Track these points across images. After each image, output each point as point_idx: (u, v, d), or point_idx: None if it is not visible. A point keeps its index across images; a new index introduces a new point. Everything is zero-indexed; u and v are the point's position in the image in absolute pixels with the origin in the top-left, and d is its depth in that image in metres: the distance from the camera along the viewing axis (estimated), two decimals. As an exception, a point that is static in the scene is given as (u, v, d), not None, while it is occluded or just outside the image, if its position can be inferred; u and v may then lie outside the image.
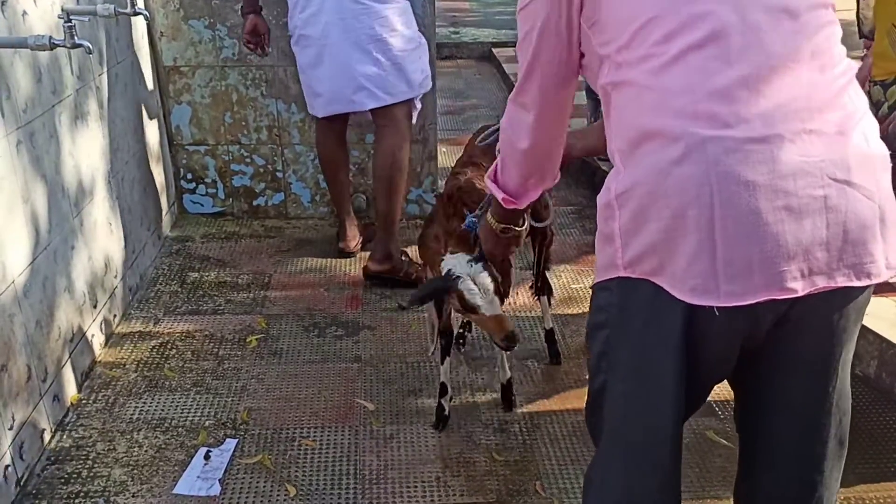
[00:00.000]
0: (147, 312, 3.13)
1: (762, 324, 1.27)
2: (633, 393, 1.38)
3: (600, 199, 1.34)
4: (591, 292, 1.46)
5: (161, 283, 3.35)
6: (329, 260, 3.60)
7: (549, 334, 2.85)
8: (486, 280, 2.07)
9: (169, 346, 2.91)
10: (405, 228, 3.95)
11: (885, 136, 2.89)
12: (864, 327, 2.70)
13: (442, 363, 2.50)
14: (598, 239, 1.36)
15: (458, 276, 2.08)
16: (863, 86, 3.26)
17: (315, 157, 3.89)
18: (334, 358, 2.87)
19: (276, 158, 3.90)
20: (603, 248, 1.34)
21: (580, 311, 3.15)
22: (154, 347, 2.90)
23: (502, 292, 2.22)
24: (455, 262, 2.11)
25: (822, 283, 1.22)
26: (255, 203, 3.98)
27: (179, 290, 3.31)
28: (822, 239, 1.20)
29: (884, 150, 1.29)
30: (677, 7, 1.21)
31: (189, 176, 3.91)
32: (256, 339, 2.96)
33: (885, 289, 2.91)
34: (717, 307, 1.21)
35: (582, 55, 1.39)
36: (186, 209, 3.97)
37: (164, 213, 3.72)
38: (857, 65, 1.34)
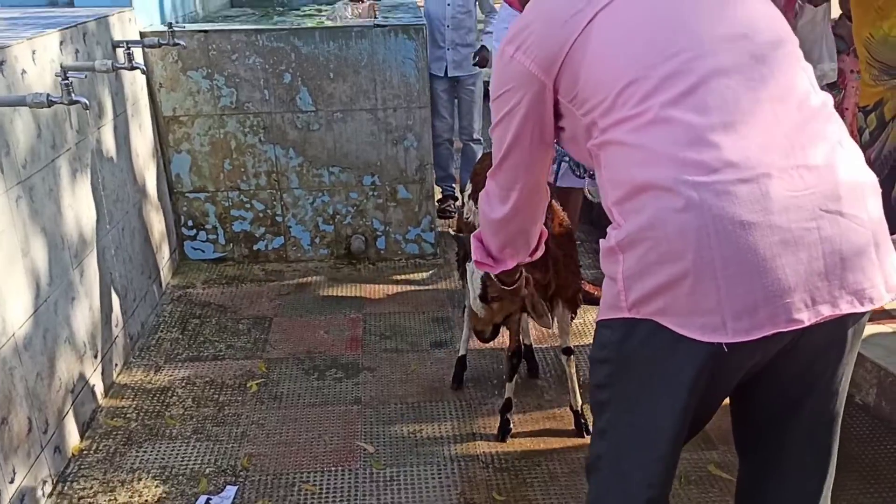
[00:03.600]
0: (148, 360, 3.15)
1: (769, 354, 1.32)
2: (637, 426, 1.41)
3: (603, 246, 1.39)
4: (594, 327, 1.49)
5: (162, 331, 3.38)
6: (329, 302, 3.63)
7: (528, 349, 3.01)
8: (476, 284, 2.16)
9: (170, 394, 2.92)
10: (404, 268, 3.99)
11: (871, 164, 2.93)
12: (861, 355, 2.70)
13: (510, 381, 2.65)
14: (605, 281, 1.41)
15: (468, 263, 2.22)
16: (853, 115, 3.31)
17: (314, 201, 3.95)
18: (334, 400, 2.88)
19: (275, 203, 3.95)
20: (608, 289, 1.39)
21: (582, 343, 3.16)
22: (155, 395, 2.92)
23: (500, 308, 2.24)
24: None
25: (826, 311, 1.26)
26: (255, 247, 4.02)
27: (180, 336, 3.33)
28: (821, 269, 1.24)
29: (871, 177, 1.33)
30: (652, 70, 1.28)
31: (190, 223, 3.96)
32: (257, 384, 2.98)
33: (882, 317, 2.92)
34: (726, 343, 1.25)
35: (561, 129, 1.46)
36: (188, 256, 4.01)
37: (165, 260, 3.76)
38: (830, 97, 1.38)
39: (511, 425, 2.66)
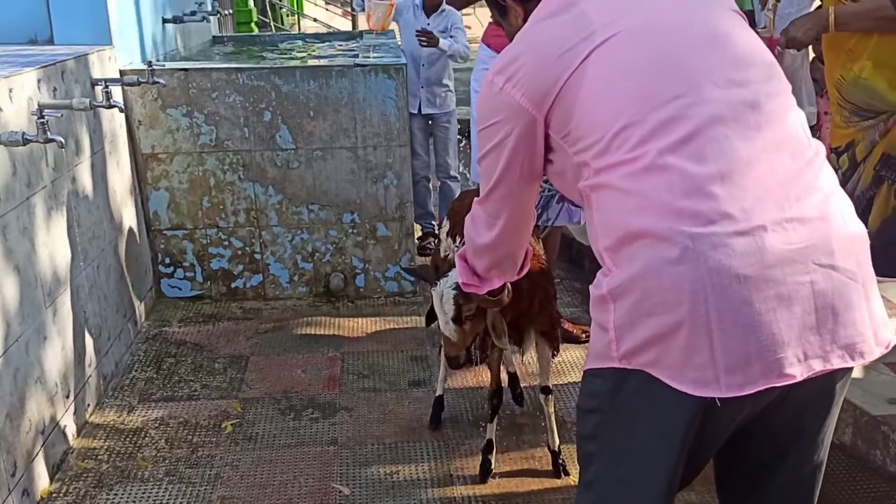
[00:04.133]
0: (121, 400, 3.10)
1: (759, 406, 1.31)
2: (625, 479, 1.38)
3: (593, 292, 1.37)
4: (571, 366, 1.48)
5: (136, 370, 3.33)
6: (307, 340, 3.60)
7: (513, 377, 3.00)
8: (448, 305, 2.15)
9: (142, 435, 2.88)
10: (383, 305, 3.97)
11: None
12: (837, 395, 2.71)
13: (491, 422, 2.62)
14: (593, 328, 1.39)
15: (437, 283, 2.20)
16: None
17: (293, 238, 3.94)
18: (310, 441, 2.84)
19: (254, 240, 3.94)
20: (597, 338, 1.37)
21: (561, 382, 3.14)
22: (127, 436, 2.87)
23: (472, 331, 2.25)
24: (452, 274, 2.17)
25: (818, 366, 1.26)
26: (233, 285, 4.00)
27: (155, 376, 3.29)
28: (813, 324, 1.24)
29: (862, 229, 1.34)
30: (649, 114, 1.27)
31: (167, 260, 3.93)
32: (232, 425, 2.94)
33: (857, 355, 2.93)
34: (719, 398, 1.24)
35: (549, 161, 1.44)
36: (164, 294, 3.97)
37: (141, 298, 3.73)
38: (822, 145, 1.38)
39: (492, 465, 2.62)
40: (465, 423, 2.94)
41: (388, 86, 3.77)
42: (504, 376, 2.85)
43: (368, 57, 4.09)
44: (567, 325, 3.39)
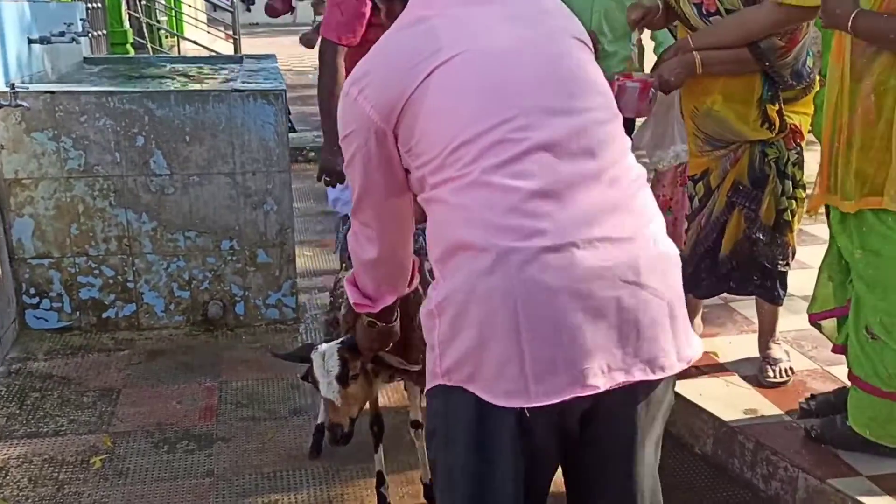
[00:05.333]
0: (-21, 439, 2.93)
1: (570, 419, 1.36)
2: (467, 498, 1.40)
3: (422, 309, 1.40)
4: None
5: (-3, 407, 3.16)
6: (183, 371, 3.50)
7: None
8: (332, 361, 2.01)
9: (3, 474, 2.72)
10: (264, 333, 3.91)
11: (701, 229, 3.10)
12: (698, 407, 2.87)
13: (376, 451, 2.53)
14: (427, 347, 1.41)
15: (316, 347, 2.06)
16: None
17: (168, 266, 3.83)
18: (185, 474, 2.76)
19: (126, 269, 3.81)
20: (429, 356, 1.40)
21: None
22: (-14, 477, 2.71)
23: (356, 389, 2.07)
24: (336, 341, 2.08)
25: (620, 378, 1.32)
26: (104, 315, 3.84)
27: (18, 412, 3.12)
28: (618, 338, 1.31)
29: (672, 250, 1.42)
30: (482, 135, 1.33)
31: (32, 290, 3.75)
32: (101, 460, 2.82)
33: (717, 370, 3.12)
34: (527, 408, 1.28)
35: (407, 172, 1.47)
36: (29, 325, 3.78)
37: (3, 331, 3.53)
38: (644, 170, 1.48)
39: (388, 500, 2.54)
40: (347, 448, 2.92)
41: (268, 111, 3.75)
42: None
43: (248, 82, 4.05)
44: None
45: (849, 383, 2.58)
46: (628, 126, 3.33)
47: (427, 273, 2.16)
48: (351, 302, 1.78)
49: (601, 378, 1.30)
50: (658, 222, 1.43)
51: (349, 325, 2.14)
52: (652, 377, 1.35)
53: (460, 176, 1.33)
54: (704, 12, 2.81)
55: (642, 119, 3.54)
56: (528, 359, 1.27)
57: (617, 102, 3.07)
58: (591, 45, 1.56)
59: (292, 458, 2.87)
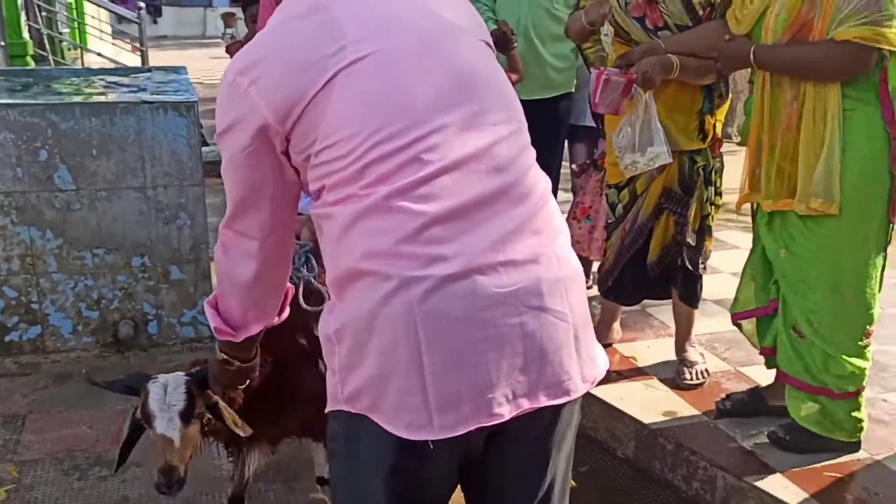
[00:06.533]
0: None
1: (474, 446, 1.34)
2: None
3: (321, 331, 1.36)
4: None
5: None
6: (93, 394, 3.35)
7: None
8: (178, 394, 1.81)
9: None
10: (179, 353, 3.79)
11: (626, 234, 3.10)
12: (619, 411, 2.92)
13: None
14: (328, 369, 1.37)
15: (154, 377, 1.86)
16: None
17: (75, 285, 3.67)
18: (98, 502, 2.64)
19: (30, 289, 3.63)
20: (329, 379, 1.36)
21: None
22: None
23: (205, 425, 1.91)
24: (182, 372, 1.91)
25: (526, 405, 1.30)
26: (6, 339, 3.65)
27: (-89, 445, 2.93)
28: (522, 364, 1.28)
29: (575, 270, 1.39)
30: (386, 156, 1.26)
31: (-75, 314, 3.53)
32: (6, 491, 2.67)
33: (636, 374, 3.18)
34: (431, 441, 1.26)
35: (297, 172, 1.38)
36: (-78, 352, 3.56)
37: None
38: (549, 182, 1.42)
39: None
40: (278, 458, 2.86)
41: (179, 123, 3.64)
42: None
43: (158, 94, 3.93)
44: None
45: (761, 383, 2.67)
46: (599, 120, 3.30)
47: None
48: (211, 327, 1.60)
49: (506, 406, 1.27)
50: (563, 236, 1.40)
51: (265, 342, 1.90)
52: (557, 401, 1.33)
53: (362, 196, 1.26)
54: (651, 27, 2.83)
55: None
56: (430, 391, 1.24)
57: (597, 96, 2.99)
58: (493, 46, 1.52)
59: (214, 481, 2.77)
